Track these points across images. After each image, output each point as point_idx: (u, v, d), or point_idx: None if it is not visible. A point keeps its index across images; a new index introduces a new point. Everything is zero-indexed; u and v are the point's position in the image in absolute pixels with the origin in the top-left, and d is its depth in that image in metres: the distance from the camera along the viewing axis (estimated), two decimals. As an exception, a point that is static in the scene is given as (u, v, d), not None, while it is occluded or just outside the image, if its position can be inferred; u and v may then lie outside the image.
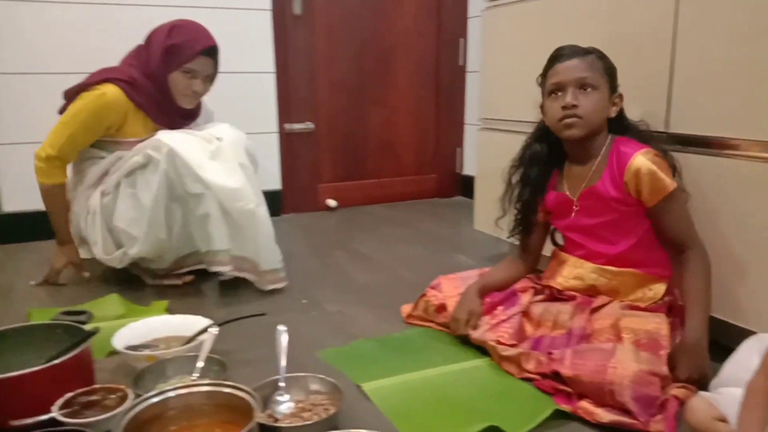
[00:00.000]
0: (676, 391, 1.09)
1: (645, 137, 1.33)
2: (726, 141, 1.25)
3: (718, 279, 1.24)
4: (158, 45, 1.71)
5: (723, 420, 0.91)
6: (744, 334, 1.09)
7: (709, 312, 1.19)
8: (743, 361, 0.90)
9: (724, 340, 1.17)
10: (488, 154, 2.05)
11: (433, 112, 3.14)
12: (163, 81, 1.74)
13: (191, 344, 1.25)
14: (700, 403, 0.95)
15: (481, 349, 1.33)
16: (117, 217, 1.69)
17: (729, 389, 0.93)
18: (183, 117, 1.83)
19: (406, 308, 1.58)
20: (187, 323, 1.35)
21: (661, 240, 1.31)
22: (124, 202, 1.68)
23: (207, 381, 1.00)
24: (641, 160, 1.24)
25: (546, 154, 1.41)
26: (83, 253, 1.83)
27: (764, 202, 1.18)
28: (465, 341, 1.38)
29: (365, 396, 1.16)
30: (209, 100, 1.94)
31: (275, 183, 2.78)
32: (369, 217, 2.80)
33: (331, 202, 2.95)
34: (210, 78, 1.80)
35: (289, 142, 2.80)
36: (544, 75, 1.35)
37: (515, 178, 1.46)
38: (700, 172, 1.29)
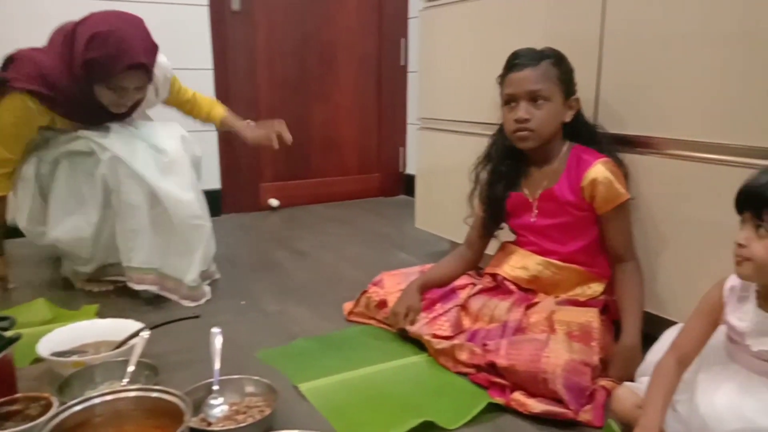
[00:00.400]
0: (604, 382, 1.15)
1: (600, 141, 1.35)
2: (645, 139, 1.31)
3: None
4: (78, 53, 1.51)
5: (644, 407, 0.95)
6: (666, 324, 1.14)
7: (643, 319, 1.24)
8: (663, 350, 0.94)
9: (648, 330, 1.22)
10: (428, 154, 2.07)
11: (376, 111, 3.14)
12: (88, 89, 1.57)
13: (121, 349, 1.21)
14: (624, 392, 0.99)
15: (420, 346, 1.35)
16: (52, 195, 1.63)
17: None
18: (114, 116, 1.68)
19: (348, 305, 1.58)
20: (118, 327, 1.30)
21: (604, 247, 1.34)
22: (60, 180, 1.62)
23: (135, 386, 0.97)
24: (600, 169, 1.28)
25: (516, 149, 1.40)
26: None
27: (680, 196, 1.24)
28: (405, 337, 1.39)
29: (302, 396, 1.16)
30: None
31: (214, 182, 2.72)
32: (312, 217, 2.78)
33: (273, 202, 2.91)
34: (142, 87, 1.62)
35: (228, 140, 2.75)
36: (502, 78, 1.36)
37: (483, 175, 1.46)
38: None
